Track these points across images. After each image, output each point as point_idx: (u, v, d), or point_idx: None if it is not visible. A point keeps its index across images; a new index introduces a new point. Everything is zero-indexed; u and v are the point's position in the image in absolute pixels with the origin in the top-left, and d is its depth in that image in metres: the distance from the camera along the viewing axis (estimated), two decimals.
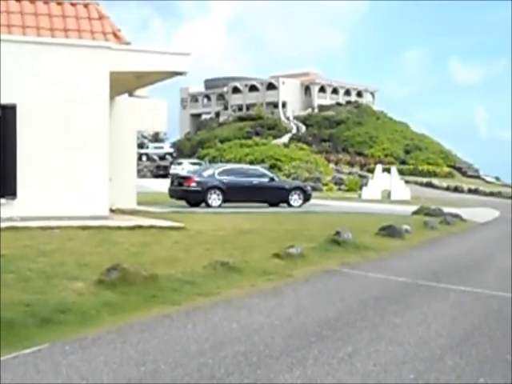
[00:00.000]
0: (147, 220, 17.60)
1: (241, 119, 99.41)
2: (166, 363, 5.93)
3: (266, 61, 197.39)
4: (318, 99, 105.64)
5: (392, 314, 8.31)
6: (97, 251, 12.08)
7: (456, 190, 60.73)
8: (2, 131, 16.71)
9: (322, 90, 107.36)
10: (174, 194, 28.46)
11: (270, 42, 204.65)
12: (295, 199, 29.04)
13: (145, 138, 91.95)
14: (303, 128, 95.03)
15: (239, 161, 64.71)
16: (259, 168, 32.99)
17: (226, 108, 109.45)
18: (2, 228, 14.31)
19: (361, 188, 45.60)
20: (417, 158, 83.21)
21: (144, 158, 73.11)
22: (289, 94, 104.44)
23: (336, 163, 78.09)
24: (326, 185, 53.61)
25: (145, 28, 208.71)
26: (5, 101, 16.64)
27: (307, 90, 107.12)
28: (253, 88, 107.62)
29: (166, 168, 67.32)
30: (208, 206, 26.85)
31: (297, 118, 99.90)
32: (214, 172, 28.52)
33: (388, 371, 5.86)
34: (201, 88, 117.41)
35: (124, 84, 20.64)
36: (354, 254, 14.11)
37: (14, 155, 16.69)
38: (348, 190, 50.78)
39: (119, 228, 15.69)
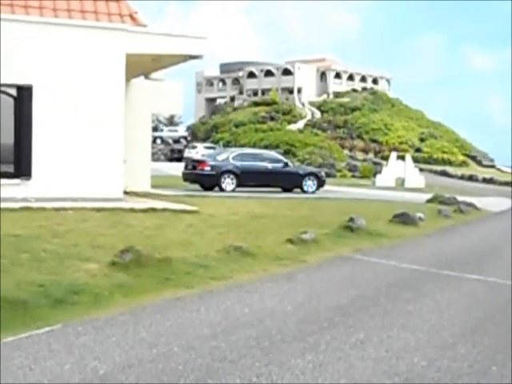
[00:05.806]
0: (161, 203, 17.61)
1: (256, 104, 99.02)
2: (179, 345, 5.94)
3: (282, 46, 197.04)
4: (334, 85, 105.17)
5: (405, 302, 8.30)
6: (110, 233, 12.11)
7: (470, 178, 60.36)
8: (18, 112, 16.77)
9: (338, 76, 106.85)
10: (187, 177, 28.47)
11: (287, 28, 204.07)
12: (309, 185, 28.94)
13: (159, 121, 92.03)
14: (318, 114, 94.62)
15: (253, 145, 64.51)
16: (273, 153, 32.91)
17: (241, 92, 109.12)
18: (16, 208, 14.39)
19: (375, 175, 45.44)
20: (432, 146, 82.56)
21: (158, 141, 73.05)
22: (304, 79, 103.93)
23: (350, 150, 77.84)
24: (339, 171, 53.45)
25: (161, 11, 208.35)
26: (21, 82, 16.69)
27: (323, 76, 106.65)
28: (268, 73, 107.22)
29: (181, 151, 67.33)
30: (222, 190, 26.85)
31: (312, 103, 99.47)
32: (228, 156, 28.49)
33: (400, 358, 5.86)
34: (216, 72, 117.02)
35: (140, 66, 20.61)
36: (368, 240, 14.09)
37: (29, 136, 16.73)
38: (362, 177, 50.60)
39: (133, 210, 15.70)
